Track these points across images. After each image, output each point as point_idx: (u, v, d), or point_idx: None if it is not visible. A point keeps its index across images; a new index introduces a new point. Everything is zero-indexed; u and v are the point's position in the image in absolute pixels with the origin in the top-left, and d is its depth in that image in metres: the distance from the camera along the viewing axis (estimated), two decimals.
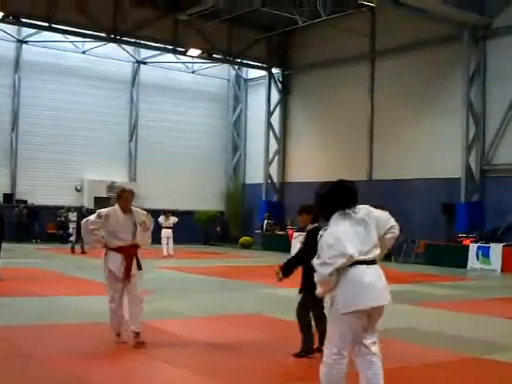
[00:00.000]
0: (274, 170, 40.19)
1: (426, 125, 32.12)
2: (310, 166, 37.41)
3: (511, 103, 29.01)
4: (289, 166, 40.05)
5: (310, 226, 8.95)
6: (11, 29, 35.11)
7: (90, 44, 37.33)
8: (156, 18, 34.74)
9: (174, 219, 28.62)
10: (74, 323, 11.33)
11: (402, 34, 32.79)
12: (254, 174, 41.71)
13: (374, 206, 6.44)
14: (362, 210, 6.26)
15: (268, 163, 40.12)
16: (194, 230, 38.29)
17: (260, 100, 41.43)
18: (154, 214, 10.87)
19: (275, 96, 40.51)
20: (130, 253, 9.31)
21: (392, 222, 6.32)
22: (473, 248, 26.80)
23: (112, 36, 34.56)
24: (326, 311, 6.17)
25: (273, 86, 40.50)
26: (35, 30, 34.78)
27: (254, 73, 43.08)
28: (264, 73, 41.00)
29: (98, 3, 33.07)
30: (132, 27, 34.27)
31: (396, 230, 6.30)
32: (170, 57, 39.68)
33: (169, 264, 22.68)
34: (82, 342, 9.77)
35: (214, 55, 38.50)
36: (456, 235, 28.52)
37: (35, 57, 36.47)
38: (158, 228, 26.57)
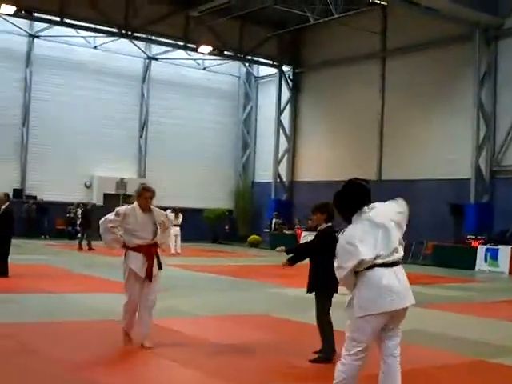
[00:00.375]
0: (283, 168, 40.15)
1: (436, 125, 32.04)
2: (320, 165, 37.39)
3: None
4: (298, 164, 40.01)
5: (324, 225, 8.89)
6: (23, 23, 35.18)
7: (101, 39, 37.38)
8: (167, 14, 34.76)
9: (181, 217, 28.59)
10: (82, 320, 11.32)
11: (413, 33, 32.72)
12: (264, 173, 41.68)
13: None
14: (379, 211, 6.19)
15: (277, 162, 40.09)
16: (203, 227, 38.27)
17: (270, 98, 41.37)
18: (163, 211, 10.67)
19: (286, 94, 40.46)
20: (150, 252, 9.08)
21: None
22: (481, 250, 26.70)
23: (123, 31, 34.60)
24: (344, 311, 6.17)
25: (283, 83, 40.46)
26: (47, 25, 34.85)
27: (264, 70, 43.04)
28: (275, 70, 40.96)
29: None
30: (143, 23, 34.30)
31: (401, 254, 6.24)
32: (181, 53, 39.67)
33: (176, 262, 22.64)
34: (90, 339, 9.76)
35: (225, 52, 38.55)
36: (464, 237, 28.42)
37: (47, 51, 36.53)
38: None
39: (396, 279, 5.99)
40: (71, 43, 37.15)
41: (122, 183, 38.07)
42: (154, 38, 36.75)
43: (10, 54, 35.55)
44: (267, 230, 38.46)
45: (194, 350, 9.30)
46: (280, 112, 40.27)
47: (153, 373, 8.17)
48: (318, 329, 8.89)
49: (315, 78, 39.44)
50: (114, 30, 34.71)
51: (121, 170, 38.48)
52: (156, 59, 40.20)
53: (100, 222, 9.19)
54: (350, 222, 6.14)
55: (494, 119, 30.06)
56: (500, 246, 26.28)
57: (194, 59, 41.20)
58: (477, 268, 26.48)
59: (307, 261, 9.01)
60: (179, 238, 28.35)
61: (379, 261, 5.92)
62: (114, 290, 14.89)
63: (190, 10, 34.29)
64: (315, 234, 9.14)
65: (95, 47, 37.92)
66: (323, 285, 8.66)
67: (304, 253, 9.14)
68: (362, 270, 5.92)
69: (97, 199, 36.87)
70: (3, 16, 32.64)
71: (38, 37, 36.29)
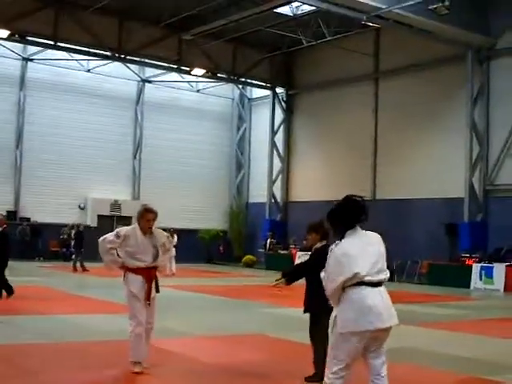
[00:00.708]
0: (277, 189, 40.22)
1: (429, 145, 32.15)
2: (314, 185, 37.47)
3: None
4: (292, 185, 40.09)
5: (319, 245, 8.85)
6: (17, 47, 35.29)
7: (94, 62, 37.49)
8: (161, 38, 34.99)
9: (176, 238, 28.56)
10: (78, 341, 11.28)
11: (405, 54, 32.93)
12: (258, 193, 41.72)
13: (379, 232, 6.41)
14: (376, 237, 6.25)
15: (272, 182, 40.17)
16: (197, 248, 38.26)
17: (264, 119, 41.50)
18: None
19: (279, 115, 40.61)
20: (149, 275, 8.88)
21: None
22: (476, 268, 26.76)
23: (117, 55, 34.82)
24: (329, 330, 6.19)
25: (277, 105, 40.61)
26: (40, 48, 34.99)
27: (258, 92, 43.22)
28: (268, 92, 41.13)
29: (103, 22, 33.30)
30: (137, 46, 34.49)
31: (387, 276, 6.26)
32: (174, 76, 39.84)
33: (171, 283, 22.61)
34: (85, 361, 9.71)
35: (219, 74, 38.73)
36: (459, 255, 28.48)
37: (40, 75, 36.65)
38: None
39: (380, 299, 6.00)
40: (65, 66, 37.27)
41: (116, 205, 38.11)
42: (147, 60, 36.94)
43: (3, 77, 35.66)
44: (262, 250, 38.46)
45: (189, 372, 9.25)
46: (274, 133, 40.38)
47: None
48: (312, 347, 8.87)
49: (308, 99, 39.60)
50: (108, 53, 34.88)
51: (115, 192, 38.52)
52: (149, 82, 40.32)
53: (99, 240, 8.91)
54: (341, 238, 6.13)
55: (487, 138, 30.19)
56: (495, 264, 26.32)
57: (188, 82, 41.33)
58: (472, 286, 26.53)
59: (302, 281, 8.99)
60: (173, 259, 28.30)
61: (367, 278, 5.93)
62: (110, 311, 14.93)
63: (183, 33, 34.44)
64: (310, 253, 9.13)
65: (89, 70, 38.03)
66: (320, 304, 8.63)
67: (300, 272, 9.11)
68: (348, 285, 5.92)
69: (91, 221, 36.91)
70: None
71: (31, 60, 36.41)
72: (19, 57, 36.08)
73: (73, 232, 32.83)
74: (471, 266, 26.96)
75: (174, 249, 27.82)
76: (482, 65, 30.29)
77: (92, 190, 37.90)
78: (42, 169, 36.34)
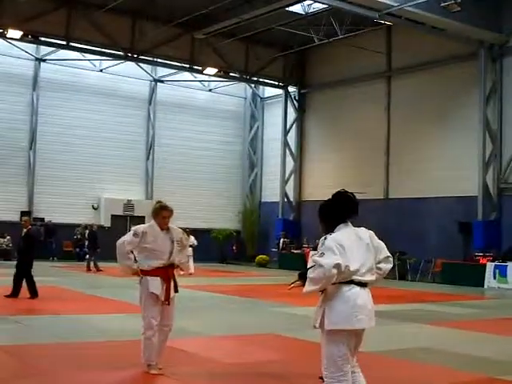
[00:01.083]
0: (290, 188, 40.21)
1: (442, 143, 32.06)
2: (327, 184, 37.29)
3: None
4: (305, 184, 40.06)
5: None
6: (30, 47, 35.43)
7: (107, 62, 37.60)
8: (173, 37, 35.01)
9: (192, 238, 28.60)
10: (91, 341, 11.29)
11: (418, 52, 32.85)
12: (271, 193, 41.74)
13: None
14: (367, 233, 6.21)
15: (284, 181, 40.17)
16: (211, 248, 38.24)
17: (276, 118, 41.49)
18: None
19: (291, 114, 40.59)
20: (167, 275, 8.76)
21: (388, 252, 6.27)
22: (490, 267, 26.63)
23: (129, 54, 34.88)
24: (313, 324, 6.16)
25: (289, 104, 40.59)
26: (53, 49, 35.10)
27: (270, 91, 43.22)
28: (280, 91, 41.12)
29: (115, 22, 33.38)
30: (149, 46, 34.55)
31: (390, 263, 6.25)
32: (186, 75, 39.90)
33: (185, 282, 22.63)
34: (99, 360, 9.72)
35: (231, 73, 38.74)
36: (473, 254, 28.38)
37: (53, 75, 36.78)
38: None
39: (368, 300, 6.02)
40: (77, 66, 37.41)
41: (129, 205, 38.20)
42: (159, 60, 37.01)
43: (16, 78, 35.82)
44: (275, 250, 38.44)
45: (205, 372, 9.25)
46: (286, 132, 40.38)
47: None
48: None
49: (321, 97, 39.56)
50: (120, 53, 34.95)
51: (128, 192, 38.61)
52: (162, 81, 40.37)
53: (118, 243, 8.72)
54: (332, 232, 6.06)
55: (500, 136, 30.07)
56: (509, 263, 26.18)
57: (200, 81, 41.40)
58: (486, 285, 26.41)
59: None
60: (191, 259, 28.33)
61: (357, 278, 5.92)
62: (124, 311, 14.93)
63: (196, 33, 34.49)
64: None
65: (101, 70, 38.15)
66: None
67: None
68: (337, 282, 5.87)
69: (104, 221, 37.02)
70: (10, 41, 32.94)
71: (44, 60, 36.53)
72: (32, 57, 36.21)
73: (86, 232, 32.86)
74: (485, 265, 26.83)
75: (190, 248, 27.98)
76: (494, 62, 30.17)
77: (105, 190, 38.01)
78: (55, 169, 36.49)
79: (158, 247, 8.70)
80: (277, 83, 40.62)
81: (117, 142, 38.47)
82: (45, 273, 26.87)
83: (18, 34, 31.36)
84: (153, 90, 40.31)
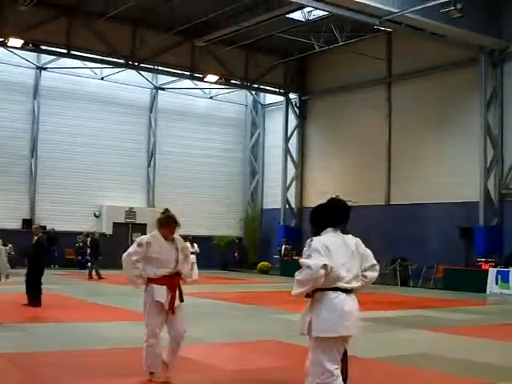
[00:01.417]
0: (291, 194, 40.22)
1: (443, 149, 32.06)
2: (328, 190, 37.32)
3: None
4: (306, 190, 40.07)
5: None
6: (30, 56, 35.48)
7: (108, 70, 37.66)
8: (173, 45, 35.10)
9: (196, 246, 28.63)
10: (94, 349, 11.30)
11: (418, 57, 32.89)
12: (272, 199, 41.77)
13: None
14: (353, 240, 6.26)
15: (286, 188, 40.19)
16: (213, 255, 38.20)
17: (277, 125, 41.53)
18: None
19: (292, 121, 40.63)
20: (173, 283, 8.71)
21: (374, 260, 6.30)
22: (492, 272, 26.58)
23: (130, 62, 34.97)
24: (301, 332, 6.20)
25: (290, 111, 40.64)
26: (54, 57, 35.13)
27: (271, 98, 43.25)
28: (281, 98, 41.16)
29: (116, 30, 33.47)
30: (150, 53, 34.64)
31: (376, 271, 6.28)
32: (187, 83, 39.94)
33: (188, 289, 22.68)
34: (102, 367, 9.73)
35: (232, 81, 38.79)
36: (474, 259, 28.35)
37: (54, 83, 36.81)
38: None
39: (355, 307, 6.06)
40: (78, 74, 37.43)
41: (131, 212, 38.22)
42: (160, 68, 37.11)
43: (17, 86, 35.86)
44: (277, 256, 38.40)
45: (205, 378, 9.27)
46: (287, 139, 40.42)
47: None
48: None
49: (321, 104, 39.60)
50: (121, 61, 35.07)
51: (130, 200, 38.62)
52: (163, 89, 40.42)
53: (123, 256, 8.67)
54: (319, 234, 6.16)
55: (502, 142, 30.07)
56: (511, 268, 26.12)
57: (201, 88, 41.45)
58: (488, 291, 26.35)
59: None
60: (195, 266, 28.30)
61: (343, 284, 5.96)
62: (125, 319, 14.94)
63: (196, 40, 34.56)
64: None
65: (102, 78, 38.20)
66: None
67: None
68: (324, 289, 5.91)
69: (106, 228, 37.03)
70: (11, 49, 32.99)
71: (45, 69, 36.57)
72: (33, 66, 36.26)
73: (88, 240, 32.86)
74: (487, 271, 26.78)
75: (193, 255, 27.97)
76: (495, 68, 30.20)
77: (106, 198, 38.02)
78: (56, 177, 36.49)
79: (164, 256, 8.68)
80: (277, 90, 40.67)
81: (118, 150, 38.49)
82: (47, 281, 26.76)
83: (18, 42, 31.41)
84: (154, 98, 40.36)
